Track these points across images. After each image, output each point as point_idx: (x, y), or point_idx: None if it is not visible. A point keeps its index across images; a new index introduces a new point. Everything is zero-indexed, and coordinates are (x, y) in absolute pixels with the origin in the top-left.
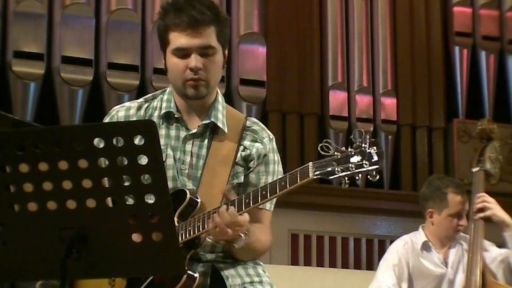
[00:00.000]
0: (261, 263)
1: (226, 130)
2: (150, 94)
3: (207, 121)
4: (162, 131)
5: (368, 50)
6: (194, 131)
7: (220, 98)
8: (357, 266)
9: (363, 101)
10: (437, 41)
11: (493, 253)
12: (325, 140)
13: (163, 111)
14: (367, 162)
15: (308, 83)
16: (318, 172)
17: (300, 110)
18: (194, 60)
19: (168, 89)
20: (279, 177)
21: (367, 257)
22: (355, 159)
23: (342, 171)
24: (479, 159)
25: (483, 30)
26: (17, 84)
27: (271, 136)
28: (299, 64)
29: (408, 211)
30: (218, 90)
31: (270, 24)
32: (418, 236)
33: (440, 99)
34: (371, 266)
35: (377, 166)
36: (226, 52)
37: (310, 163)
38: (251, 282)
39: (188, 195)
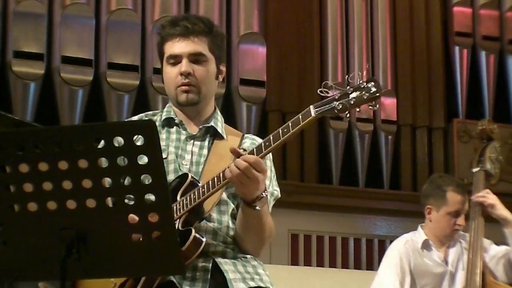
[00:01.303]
0: (261, 263)
1: (225, 137)
2: (151, 112)
3: (208, 125)
4: (163, 135)
5: (368, 50)
6: (195, 133)
7: (219, 115)
8: (357, 266)
9: None
10: (437, 41)
11: (492, 251)
12: (324, 82)
13: (164, 117)
14: (366, 94)
15: (308, 83)
16: (319, 111)
17: (300, 110)
18: (184, 65)
19: (167, 105)
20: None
21: (367, 257)
22: (354, 94)
23: (343, 105)
24: (479, 159)
25: (483, 30)
26: (17, 84)
27: None
28: (299, 64)
29: (408, 211)
30: (216, 107)
31: (270, 24)
32: (418, 235)
33: (440, 99)
34: (371, 266)
35: (375, 96)
36: (223, 68)
37: (311, 106)
38: (252, 278)
39: (190, 176)
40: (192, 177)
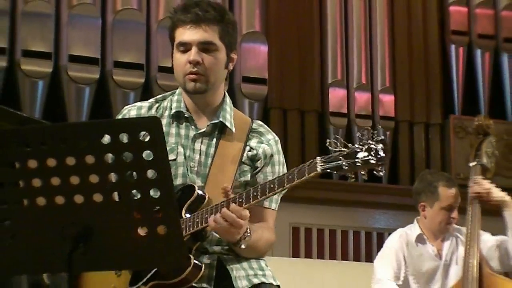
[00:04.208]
0: (264, 258)
1: (234, 130)
2: (161, 95)
3: (216, 121)
4: (172, 130)
5: (367, 48)
6: (203, 130)
7: (228, 101)
8: (357, 258)
9: (362, 98)
10: (434, 40)
11: (488, 242)
12: (334, 136)
13: (173, 111)
14: (373, 158)
15: (309, 81)
16: (325, 166)
17: (301, 107)
18: (193, 54)
19: (178, 90)
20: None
21: (366, 249)
22: (362, 154)
23: (349, 165)
24: (476, 154)
25: (478, 28)
26: (25, 82)
27: (276, 138)
28: (299, 62)
29: (406, 205)
30: (226, 93)
31: (271, 23)
32: (413, 229)
33: (437, 96)
34: (370, 258)
35: (383, 162)
36: (234, 56)
37: (318, 158)
38: (255, 275)
39: (196, 190)
40: (198, 191)
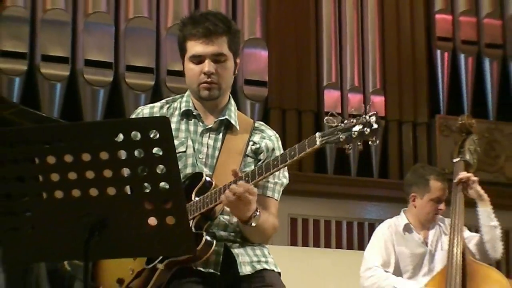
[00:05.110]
0: (266, 246)
1: (238, 128)
2: (171, 97)
3: (222, 118)
4: (182, 126)
5: (359, 53)
6: (211, 126)
7: (233, 102)
8: (349, 247)
9: (354, 99)
10: (421, 45)
11: (471, 239)
12: (330, 112)
13: (183, 109)
14: (367, 129)
15: (305, 83)
16: (324, 140)
17: (298, 107)
18: (207, 66)
19: (186, 93)
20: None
21: (358, 239)
22: (357, 127)
23: (346, 138)
24: (459, 151)
25: (462, 35)
26: (44, 84)
27: (277, 135)
28: (297, 66)
29: (396, 198)
30: (231, 96)
31: (271, 30)
32: (400, 219)
33: (424, 97)
34: (362, 247)
35: (376, 132)
36: (238, 60)
37: (317, 133)
38: (258, 261)
39: (204, 176)
40: (205, 178)
